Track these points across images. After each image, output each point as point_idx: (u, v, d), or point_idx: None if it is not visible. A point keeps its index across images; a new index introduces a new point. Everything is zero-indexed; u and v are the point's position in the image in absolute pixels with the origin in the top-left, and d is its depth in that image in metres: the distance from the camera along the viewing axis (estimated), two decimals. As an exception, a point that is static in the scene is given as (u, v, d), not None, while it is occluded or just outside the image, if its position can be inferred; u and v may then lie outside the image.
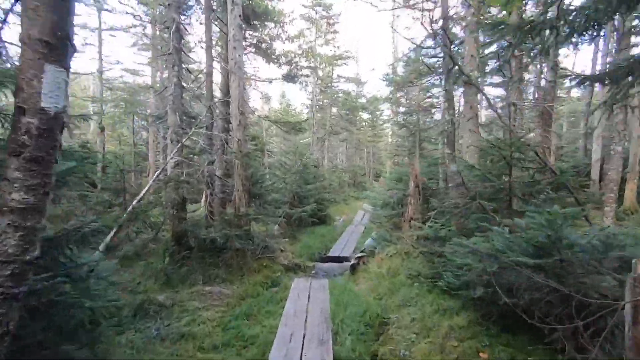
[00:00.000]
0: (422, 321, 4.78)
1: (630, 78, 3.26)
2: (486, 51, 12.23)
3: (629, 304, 1.96)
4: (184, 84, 7.54)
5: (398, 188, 9.04)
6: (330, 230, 13.12)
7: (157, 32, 14.34)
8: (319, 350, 4.01)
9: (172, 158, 7.09)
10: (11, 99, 2.15)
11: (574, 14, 3.02)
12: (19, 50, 1.91)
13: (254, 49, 9.96)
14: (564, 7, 3.09)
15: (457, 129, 8.15)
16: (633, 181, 11.93)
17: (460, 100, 12.97)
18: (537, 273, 2.71)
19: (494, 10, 10.64)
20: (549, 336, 3.25)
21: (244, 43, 10.74)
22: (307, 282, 6.84)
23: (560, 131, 22.82)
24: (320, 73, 21.07)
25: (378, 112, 30.86)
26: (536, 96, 12.88)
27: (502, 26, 3.45)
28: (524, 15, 8.02)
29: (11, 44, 3.25)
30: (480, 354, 3.79)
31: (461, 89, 11.74)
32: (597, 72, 15.06)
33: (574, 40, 3.24)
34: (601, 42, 16.88)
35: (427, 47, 9.36)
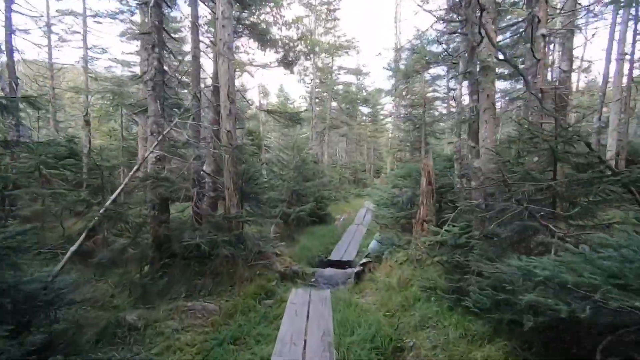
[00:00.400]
0: (447, 349, 3.94)
1: None
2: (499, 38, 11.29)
3: None
4: (166, 68, 6.63)
5: (407, 185, 8.16)
6: (330, 230, 12.26)
7: (146, 20, 13.35)
8: (321, 395, 3.16)
9: (152, 152, 6.19)
10: None
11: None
12: None
13: (249, 33, 9.03)
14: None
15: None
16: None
17: (463, 91, 12.02)
18: None
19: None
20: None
21: (238, 27, 9.81)
22: (306, 293, 6.00)
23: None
24: (319, 63, 20.04)
25: (379, 107, 29.90)
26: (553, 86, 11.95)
27: None
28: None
29: None
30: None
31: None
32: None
33: None
34: (617, 31, 15.98)
35: (441, 29, 8.46)
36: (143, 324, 4.52)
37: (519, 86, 19.66)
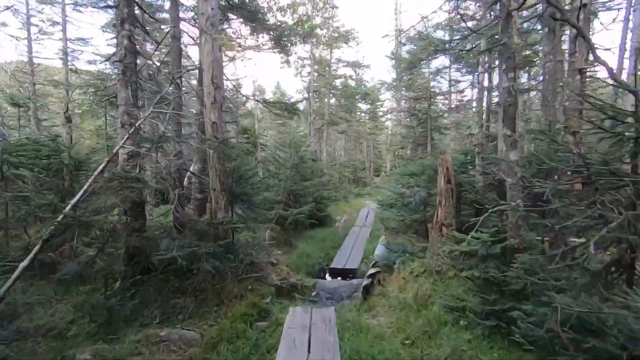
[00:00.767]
0: (493, 400, 3.01)
1: None
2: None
3: None
4: (139, 48, 5.64)
5: (418, 184, 7.21)
6: (331, 233, 11.30)
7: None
8: None
9: (122, 147, 5.22)
10: None
11: None
12: None
13: (239, 16, 8.04)
14: None
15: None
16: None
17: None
18: None
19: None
20: None
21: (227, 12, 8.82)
22: (307, 313, 5.05)
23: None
24: (317, 54, 19.00)
25: (379, 103, 28.93)
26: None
27: None
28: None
29: None
30: None
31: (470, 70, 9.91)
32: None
33: None
34: (631, 20, 15.12)
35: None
36: (99, 363, 3.56)
37: (523, 80, 18.81)
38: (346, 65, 22.06)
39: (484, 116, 9.31)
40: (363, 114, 30.58)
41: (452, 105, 19.82)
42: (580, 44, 5.15)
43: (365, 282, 5.93)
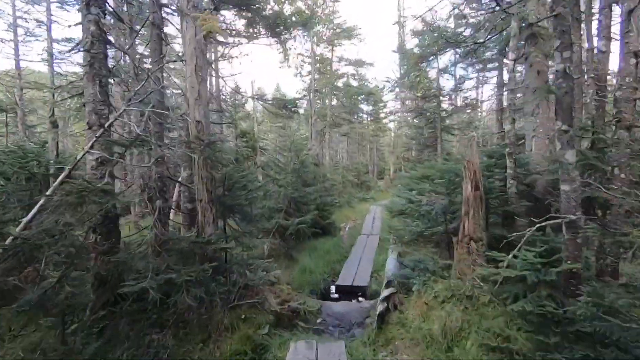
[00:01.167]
0: None
1: None
2: None
3: None
4: (111, 37, 4.79)
5: (437, 190, 6.30)
6: (336, 243, 10.38)
7: (125, 8, 11.54)
8: None
9: (88, 152, 4.37)
10: None
11: None
12: None
13: (234, 4, 7.22)
14: None
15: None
16: None
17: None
18: None
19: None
20: None
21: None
22: (311, 350, 4.18)
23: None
24: (317, 51, 18.14)
25: (381, 104, 28.04)
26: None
27: None
28: None
29: None
30: None
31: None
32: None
33: None
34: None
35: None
36: None
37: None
38: (348, 64, 21.21)
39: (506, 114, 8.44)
40: (365, 116, 29.70)
41: (458, 104, 18.95)
42: (637, 20, 4.28)
43: (380, 307, 5.02)
